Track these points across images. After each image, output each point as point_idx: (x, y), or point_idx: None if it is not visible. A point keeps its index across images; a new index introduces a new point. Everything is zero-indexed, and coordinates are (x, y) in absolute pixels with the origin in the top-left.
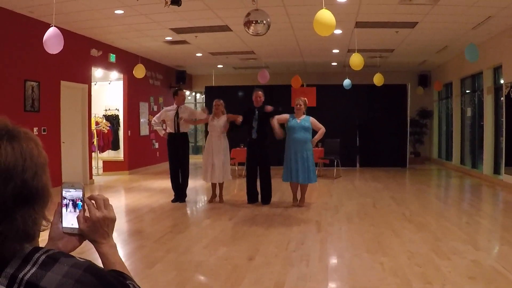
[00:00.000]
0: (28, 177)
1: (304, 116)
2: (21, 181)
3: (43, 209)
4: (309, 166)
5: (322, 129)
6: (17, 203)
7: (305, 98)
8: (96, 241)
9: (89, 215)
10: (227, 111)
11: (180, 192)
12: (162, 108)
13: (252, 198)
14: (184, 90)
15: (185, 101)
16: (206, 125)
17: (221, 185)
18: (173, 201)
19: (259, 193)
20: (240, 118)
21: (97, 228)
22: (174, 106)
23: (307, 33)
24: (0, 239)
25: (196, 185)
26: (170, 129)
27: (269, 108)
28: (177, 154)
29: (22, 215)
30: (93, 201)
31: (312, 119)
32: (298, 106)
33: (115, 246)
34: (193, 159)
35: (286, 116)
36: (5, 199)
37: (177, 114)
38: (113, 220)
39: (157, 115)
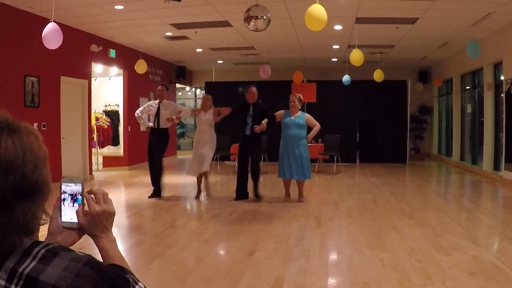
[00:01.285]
0: (28, 171)
1: (299, 113)
2: (21, 174)
3: (43, 202)
4: (302, 162)
5: (317, 126)
6: (17, 196)
7: (299, 94)
8: (96, 235)
9: (88, 209)
10: (227, 106)
11: (158, 188)
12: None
13: (240, 194)
14: (165, 85)
15: (185, 97)
16: None
17: (205, 174)
18: (149, 196)
19: (248, 192)
20: (227, 111)
21: (96, 222)
22: (157, 101)
23: (307, 29)
24: (0, 232)
25: (194, 180)
26: (151, 123)
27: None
28: (152, 149)
29: (21, 208)
30: (92, 195)
31: (307, 115)
32: (292, 103)
33: (114, 240)
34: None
35: (281, 112)
36: (5, 192)
37: (158, 109)
38: (112, 214)
39: (140, 108)
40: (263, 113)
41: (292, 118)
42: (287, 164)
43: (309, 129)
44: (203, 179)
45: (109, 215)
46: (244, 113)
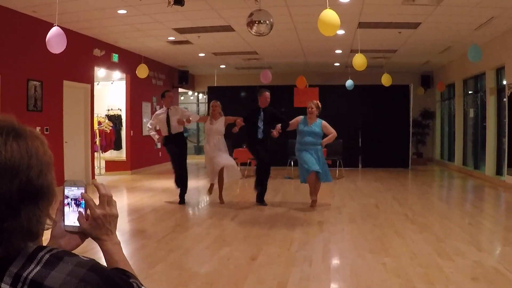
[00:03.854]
0: (33, 175)
1: (316, 120)
2: (26, 178)
3: (47, 207)
4: (324, 165)
5: (333, 134)
6: (22, 200)
7: (318, 101)
8: (99, 238)
9: (90, 213)
10: (230, 111)
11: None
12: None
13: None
14: (170, 91)
15: (188, 101)
16: None
17: (221, 185)
18: (180, 202)
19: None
20: (240, 121)
21: (99, 225)
22: (164, 108)
23: (310, 34)
24: (4, 236)
25: (198, 185)
26: (164, 133)
27: (275, 133)
28: (175, 155)
29: (26, 213)
30: (93, 200)
31: (324, 123)
32: (310, 109)
33: (118, 243)
34: (196, 159)
35: (297, 119)
36: (10, 196)
37: (168, 116)
38: (115, 217)
39: (150, 122)
40: (274, 118)
41: (309, 126)
42: (315, 160)
43: (325, 136)
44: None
45: (112, 218)
46: (255, 118)
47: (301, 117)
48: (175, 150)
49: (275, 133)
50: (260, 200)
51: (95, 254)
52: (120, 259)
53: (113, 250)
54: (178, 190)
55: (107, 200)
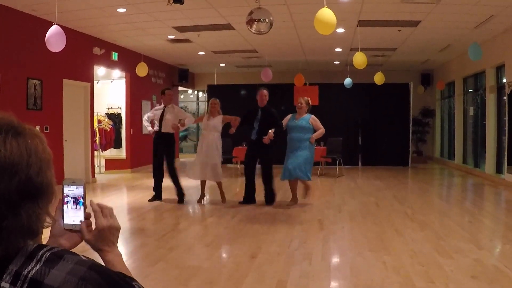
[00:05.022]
0: (32, 173)
1: (304, 115)
2: (25, 176)
3: (47, 205)
4: (299, 163)
5: (321, 130)
6: (22, 198)
7: (308, 98)
8: (102, 249)
9: (96, 223)
10: (230, 110)
11: (159, 192)
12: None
13: (245, 199)
14: (171, 89)
15: (188, 100)
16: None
17: (219, 184)
18: (150, 200)
19: (254, 198)
20: (237, 121)
21: (102, 236)
22: (163, 105)
23: (310, 32)
24: (4, 234)
25: (197, 183)
26: (156, 128)
27: (266, 139)
28: (156, 153)
29: (26, 211)
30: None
31: (312, 118)
32: (299, 105)
33: (120, 254)
34: (194, 157)
35: (287, 117)
36: (10, 193)
37: (163, 114)
38: (118, 229)
39: (149, 114)
40: (271, 119)
41: (296, 121)
42: (287, 164)
43: (315, 131)
44: (217, 188)
45: (115, 230)
46: (252, 117)
47: (290, 115)
48: (161, 151)
49: (266, 139)
50: (267, 201)
51: (94, 253)
52: (122, 268)
53: (115, 260)
54: (175, 191)
55: (109, 213)
